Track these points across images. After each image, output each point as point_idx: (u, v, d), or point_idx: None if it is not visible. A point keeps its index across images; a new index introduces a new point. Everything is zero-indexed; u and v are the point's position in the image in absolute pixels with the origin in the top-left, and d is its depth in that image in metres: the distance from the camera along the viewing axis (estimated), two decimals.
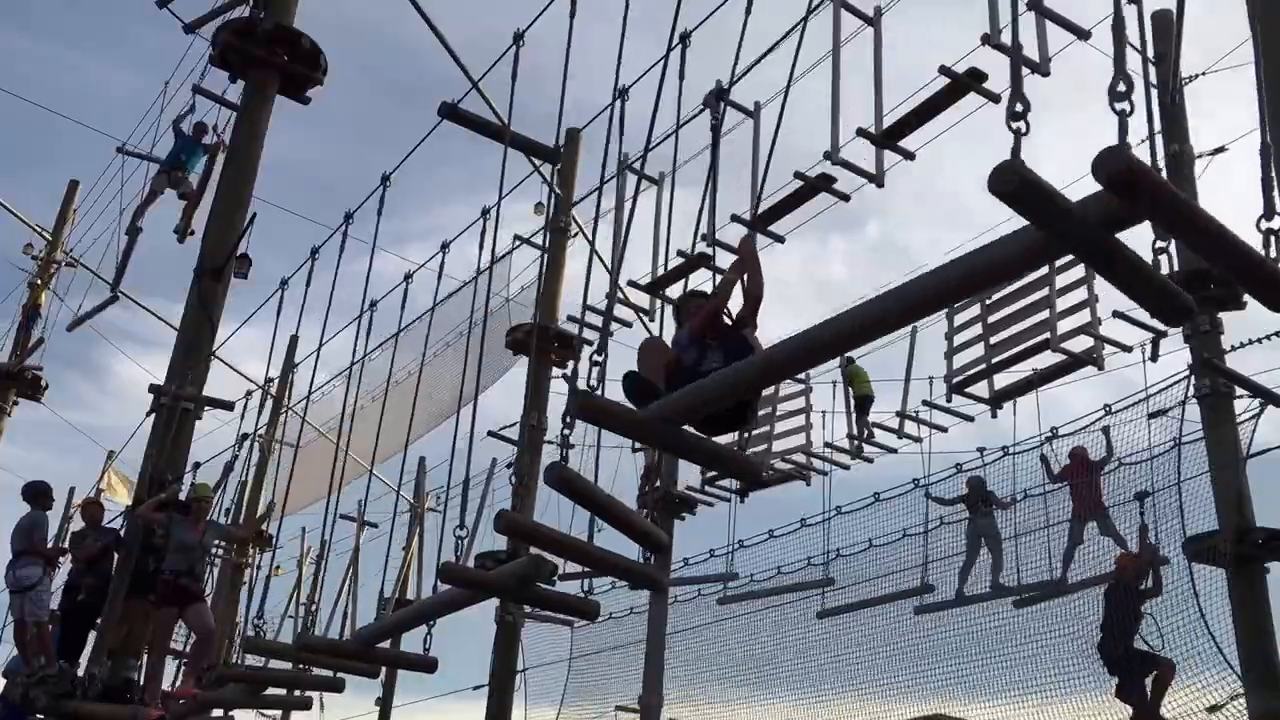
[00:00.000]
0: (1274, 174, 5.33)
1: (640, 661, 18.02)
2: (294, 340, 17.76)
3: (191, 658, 13.06)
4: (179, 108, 16.58)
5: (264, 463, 17.96)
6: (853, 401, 16.93)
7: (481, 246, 9.14)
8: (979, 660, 17.80)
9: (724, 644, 21.96)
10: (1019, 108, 3.89)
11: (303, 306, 12.24)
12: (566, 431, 5.56)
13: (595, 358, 5.53)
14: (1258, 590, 11.25)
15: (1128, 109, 3.76)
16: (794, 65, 6.53)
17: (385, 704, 22.64)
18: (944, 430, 16.12)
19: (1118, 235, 3.57)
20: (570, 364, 13.82)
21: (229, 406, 13.71)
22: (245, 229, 13.21)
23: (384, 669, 14.73)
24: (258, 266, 13.33)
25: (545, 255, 15.06)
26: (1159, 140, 11.92)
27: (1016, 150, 3.75)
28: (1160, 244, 3.88)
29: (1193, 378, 12.18)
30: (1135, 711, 12.40)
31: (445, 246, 10.78)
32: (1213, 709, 12.79)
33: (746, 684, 22.38)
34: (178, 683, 13.63)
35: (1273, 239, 3.80)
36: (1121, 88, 3.79)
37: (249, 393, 15.67)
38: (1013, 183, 3.43)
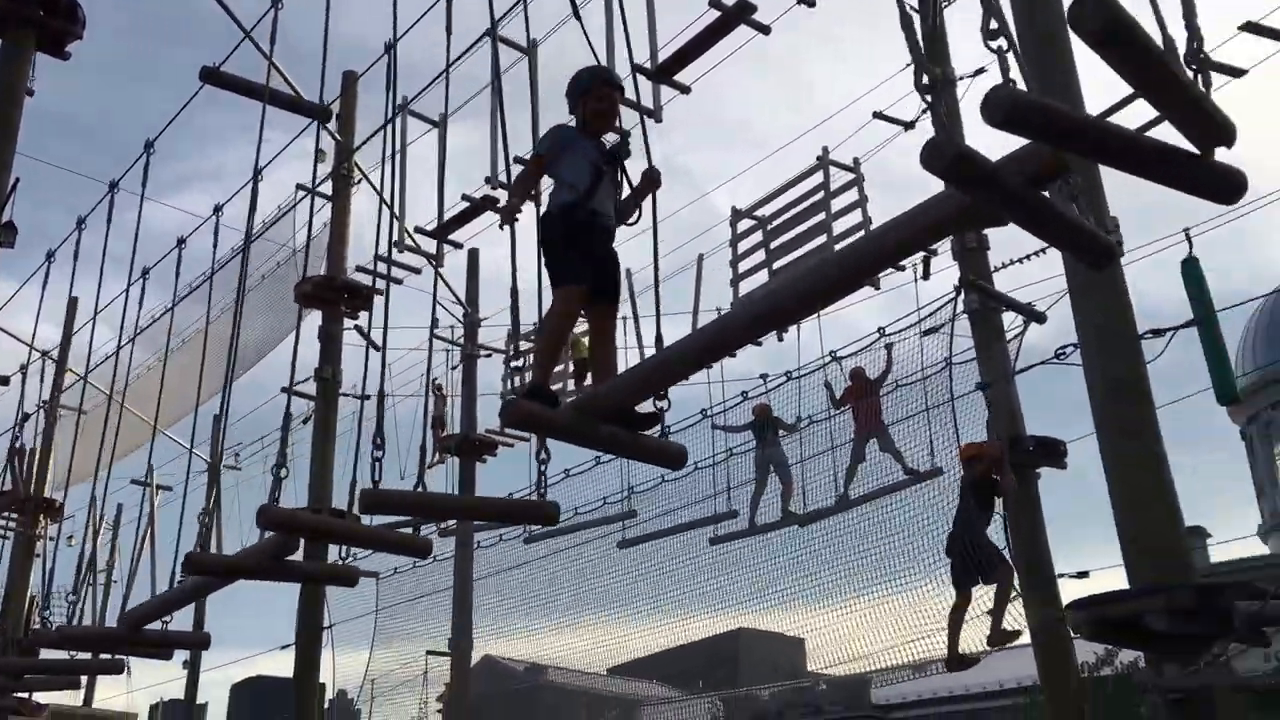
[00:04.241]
0: None
1: (448, 607, 18.20)
2: (73, 303, 17.13)
3: None
4: None
5: (50, 431, 17.33)
6: (572, 367, 17.29)
7: (253, 209, 8.98)
8: (775, 577, 18.59)
9: (530, 582, 22.36)
10: (925, 79, 4.03)
11: (73, 278, 11.92)
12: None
13: (514, 363, 5.90)
14: (1031, 495, 11.35)
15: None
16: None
17: (193, 665, 22.26)
18: (733, 355, 16.49)
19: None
20: (362, 314, 13.72)
21: (3, 381, 13.17)
22: (8, 196, 12.59)
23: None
24: (28, 225, 12.77)
25: (311, 210, 14.79)
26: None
27: (940, 126, 3.88)
28: (1075, 191, 4.04)
29: (961, 295, 12.49)
30: (958, 601, 12.15)
31: (219, 209, 10.64)
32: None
33: (554, 615, 22.92)
34: None
35: None
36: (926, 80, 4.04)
37: (24, 365, 15.10)
38: (945, 158, 3.61)
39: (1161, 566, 7.12)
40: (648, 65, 10.34)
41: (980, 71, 13.70)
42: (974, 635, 12.33)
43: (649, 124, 10.75)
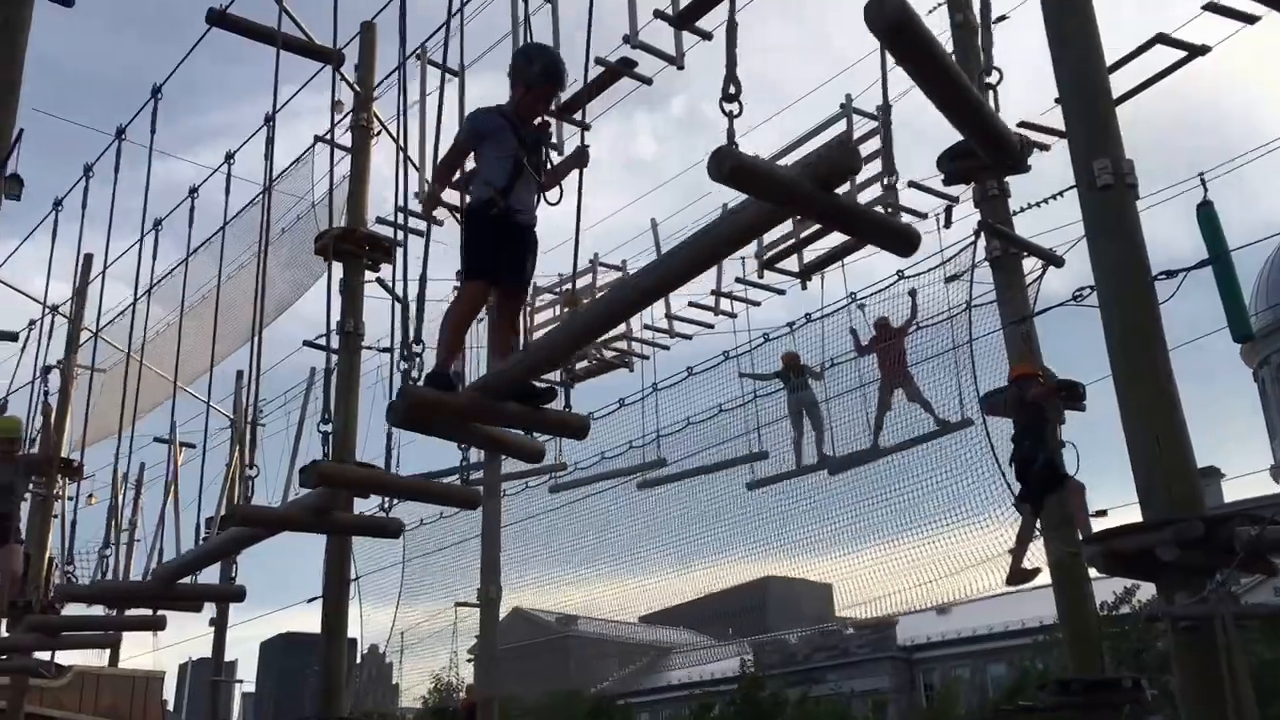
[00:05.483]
0: None
1: (475, 557, 18.31)
2: (88, 260, 17.06)
3: None
4: None
5: (66, 390, 17.30)
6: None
7: (268, 158, 8.93)
8: (802, 524, 18.62)
9: (557, 531, 22.45)
10: (732, 89, 4.05)
11: (81, 230, 11.89)
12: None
13: (415, 347, 6.10)
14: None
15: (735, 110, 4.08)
16: None
17: (220, 623, 22.50)
18: (757, 305, 16.54)
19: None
20: (384, 267, 13.67)
21: (12, 337, 13.19)
22: (12, 147, 12.56)
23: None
24: (37, 183, 12.59)
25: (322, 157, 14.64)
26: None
27: (731, 134, 3.89)
28: (889, 180, 4.19)
29: (981, 241, 12.43)
30: (1027, 520, 11.19)
31: (230, 157, 10.55)
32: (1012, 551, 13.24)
33: (583, 565, 23.07)
34: None
35: None
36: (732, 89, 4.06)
37: (33, 321, 15.12)
38: (727, 167, 3.71)
39: (1175, 504, 7.19)
40: (669, 11, 10.25)
41: (1002, 19, 13.58)
42: (1002, 570, 12.21)
43: (672, 70, 10.76)
